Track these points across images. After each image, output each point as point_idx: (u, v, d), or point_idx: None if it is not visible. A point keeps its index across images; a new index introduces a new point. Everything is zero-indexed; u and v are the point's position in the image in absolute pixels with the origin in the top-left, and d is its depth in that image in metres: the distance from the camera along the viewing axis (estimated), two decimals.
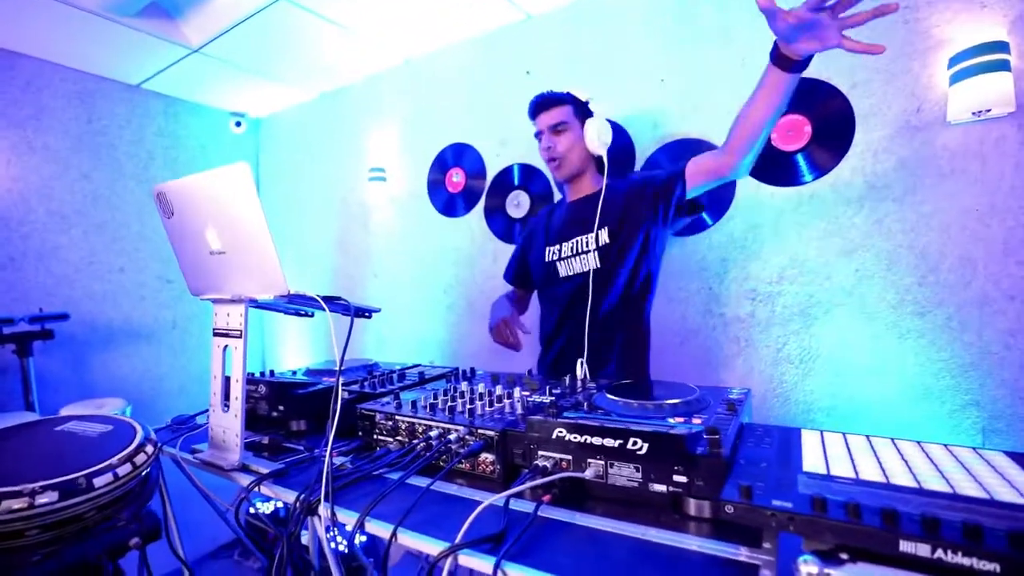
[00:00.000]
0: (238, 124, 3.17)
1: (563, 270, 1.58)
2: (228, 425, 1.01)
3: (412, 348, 2.61)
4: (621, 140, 1.93)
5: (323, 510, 0.80)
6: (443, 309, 2.48)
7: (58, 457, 0.86)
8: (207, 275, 1.08)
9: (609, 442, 0.80)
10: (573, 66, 2.11)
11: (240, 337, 1.00)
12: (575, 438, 0.83)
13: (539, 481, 0.80)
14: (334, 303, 1.01)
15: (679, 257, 1.87)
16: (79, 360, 2.55)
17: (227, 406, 1.03)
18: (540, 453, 0.87)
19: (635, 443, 0.78)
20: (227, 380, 1.05)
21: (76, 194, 2.58)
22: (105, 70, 2.66)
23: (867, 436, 0.83)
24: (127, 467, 0.85)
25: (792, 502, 0.60)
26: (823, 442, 0.82)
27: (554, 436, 0.85)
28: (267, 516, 2.54)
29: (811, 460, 0.74)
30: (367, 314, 1.11)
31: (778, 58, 1.10)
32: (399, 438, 1.04)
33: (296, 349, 3.19)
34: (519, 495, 0.80)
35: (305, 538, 1.26)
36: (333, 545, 0.83)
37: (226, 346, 1.04)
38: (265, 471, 0.95)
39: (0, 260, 2.32)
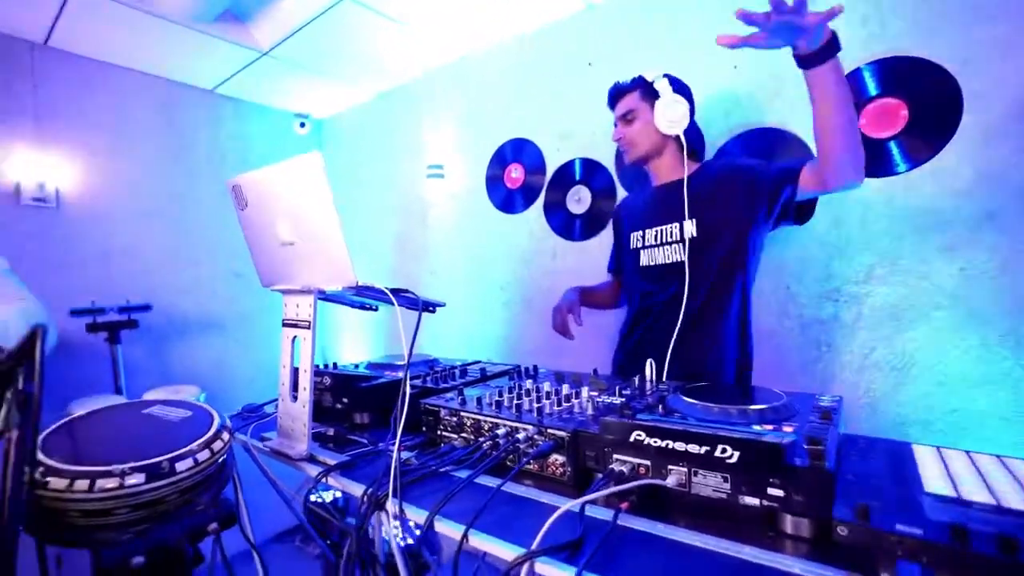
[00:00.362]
0: (302, 125, 3.28)
1: (645, 259, 1.51)
2: (296, 415, 1.02)
3: (468, 345, 2.60)
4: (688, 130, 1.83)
5: (391, 505, 0.78)
6: (499, 306, 2.46)
7: (143, 440, 0.89)
8: (278, 266, 1.10)
9: (694, 448, 0.74)
10: (637, 54, 2.03)
11: (309, 328, 1.01)
12: (655, 442, 0.78)
13: (619, 488, 0.74)
14: (402, 296, 0.99)
15: None
16: (159, 348, 2.71)
17: (295, 396, 1.04)
18: (615, 457, 0.82)
19: (724, 450, 0.72)
20: (295, 371, 1.06)
21: (158, 193, 2.74)
22: (184, 76, 2.81)
23: (998, 456, 0.72)
24: (206, 453, 0.87)
25: (922, 528, 0.52)
26: (943, 459, 0.73)
27: (632, 439, 0.80)
28: (328, 505, 2.62)
29: (933, 480, 0.65)
30: (432, 308, 1.09)
31: (797, 59, 1.10)
32: (464, 435, 1.01)
33: (354, 343, 3.27)
34: (591, 500, 0.75)
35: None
36: (400, 541, 0.82)
37: (295, 337, 1.04)
38: (332, 462, 0.95)
39: (95, 254, 2.50)
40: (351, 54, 2.61)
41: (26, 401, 0.56)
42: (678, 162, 1.50)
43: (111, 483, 0.78)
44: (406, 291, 1.00)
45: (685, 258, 1.40)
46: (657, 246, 1.48)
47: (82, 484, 0.77)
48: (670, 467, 0.77)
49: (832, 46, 1.05)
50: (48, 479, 0.77)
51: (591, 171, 2.15)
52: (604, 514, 0.75)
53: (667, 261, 1.45)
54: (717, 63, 1.83)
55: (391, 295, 0.96)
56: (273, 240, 1.07)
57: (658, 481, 0.76)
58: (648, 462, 0.79)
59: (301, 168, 0.94)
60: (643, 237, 1.52)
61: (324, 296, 1.06)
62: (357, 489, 0.87)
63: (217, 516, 0.85)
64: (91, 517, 0.79)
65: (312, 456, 0.99)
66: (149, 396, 1.99)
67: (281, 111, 3.27)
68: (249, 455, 1.18)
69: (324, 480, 0.91)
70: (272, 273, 1.13)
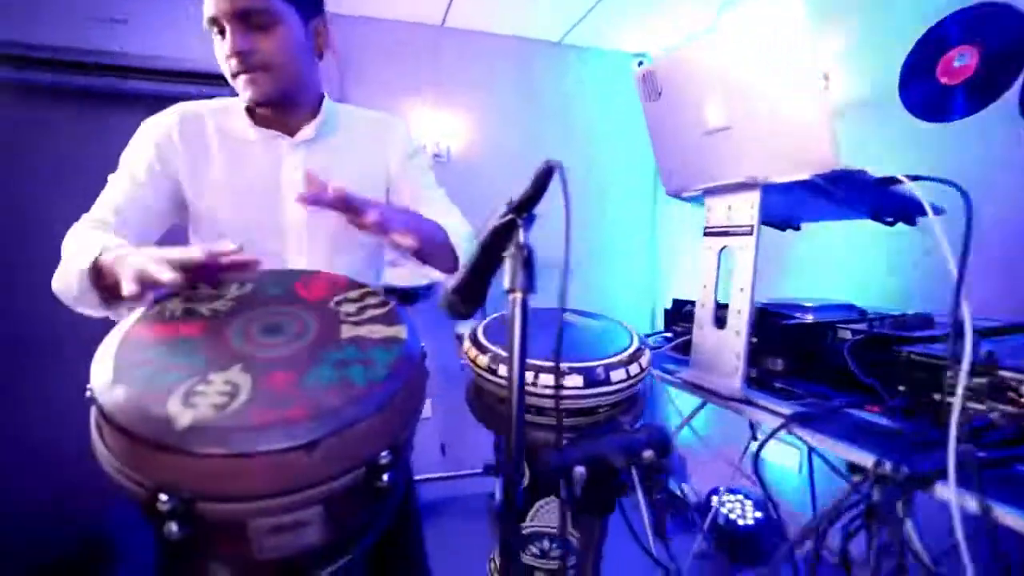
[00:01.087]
0: (640, 64, 3.13)
1: None
2: (726, 345, 0.82)
3: (839, 288, 2.01)
4: None
5: (949, 492, 0.49)
6: (902, 248, 1.78)
7: (570, 343, 0.83)
8: (699, 161, 0.90)
9: None
10: None
11: (750, 234, 0.78)
12: None
13: None
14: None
15: None
16: None
17: (717, 323, 0.84)
18: None
19: None
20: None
21: (515, 144, 3.02)
22: (536, 33, 2.98)
23: None
24: (635, 367, 0.75)
25: None
26: None
27: None
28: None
29: None
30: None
31: None
32: (1002, 406, 0.63)
33: (683, 284, 3.02)
34: None
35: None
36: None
37: (723, 248, 0.84)
38: (786, 411, 0.72)
39: (469, 199, 2.84)
40: None
41: (528, 260, 0.48)
42: None
43: (551, 380, 0.72)
44: (898, 178, 0.66)
45: None
46: None
47: (527, 377, 0.73)
48: None
49: None
50: (497, 366, 0.76)
51: None
52: None
53: None
54: None
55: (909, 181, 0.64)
56: (694, 130, 0.87)
57: None
58: None
59: (762, 21, 0.69)
60: None
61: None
62: (840, 449, 0.62)
63: (650, 442, 0.72)
64: (529, 413, 0.76)
65: (748, 399, 0.78)
66: None
67: (619, 52, 3.20)
68: None
69: (784, 432, 0.68)
70: (687, 173, 0.95)
